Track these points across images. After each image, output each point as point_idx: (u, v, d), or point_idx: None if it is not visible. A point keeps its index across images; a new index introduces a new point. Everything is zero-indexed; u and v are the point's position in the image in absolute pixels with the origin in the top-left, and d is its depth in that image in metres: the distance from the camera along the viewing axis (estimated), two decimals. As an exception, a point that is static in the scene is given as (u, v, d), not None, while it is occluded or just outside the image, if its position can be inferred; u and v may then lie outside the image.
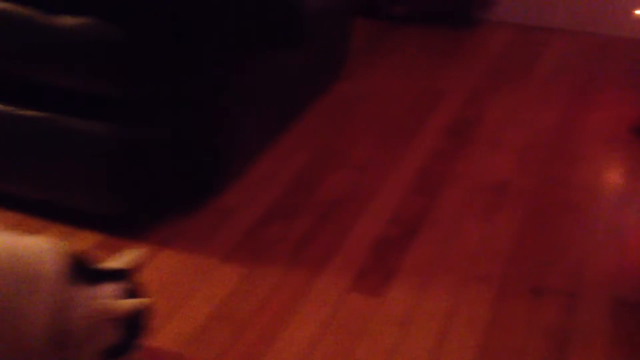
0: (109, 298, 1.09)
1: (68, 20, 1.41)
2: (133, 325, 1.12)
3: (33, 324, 1.04)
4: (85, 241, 1.62)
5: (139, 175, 1.62)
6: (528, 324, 1.47)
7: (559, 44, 2.95)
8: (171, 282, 1.54)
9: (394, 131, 2.25)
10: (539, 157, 2.11)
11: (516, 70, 2.71)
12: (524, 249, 1.70)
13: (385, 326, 1.44)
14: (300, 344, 1.38)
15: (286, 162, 2.04)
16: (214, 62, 1.63)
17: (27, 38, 1.42)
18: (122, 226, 1.67)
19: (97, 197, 1.62)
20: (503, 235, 1.74)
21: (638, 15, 2.19)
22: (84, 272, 1.09)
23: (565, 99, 2.47)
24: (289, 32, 1.56)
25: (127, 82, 1.49)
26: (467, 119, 2.34)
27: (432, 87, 2.57)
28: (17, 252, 1.05)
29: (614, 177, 2.01)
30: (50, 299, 1.04)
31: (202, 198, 1.80)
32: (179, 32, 1.50)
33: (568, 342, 1.42)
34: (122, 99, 1.51)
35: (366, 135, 2.22)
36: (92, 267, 1.12)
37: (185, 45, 1.53)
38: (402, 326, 1.44)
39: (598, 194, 1.94)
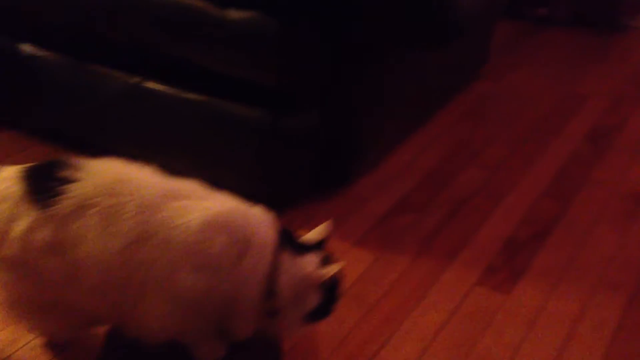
0: (312, 266, 1.20)
1: (235, 14, 1.54)
2: (331, 290, 1.23)
3: (248, 286, 1.16)
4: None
5: (284, 159, 1.73)
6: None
7: None
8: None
9: (531, 133, 2.24)
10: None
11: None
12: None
13: (511, 322, 1.47)
14: (425, 330, 1.44)
15: (420, 156, 2.10)
16: (364, 56, 1.71)
17: (200, 28, 1.57)
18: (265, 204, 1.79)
19: (243, 177, 1.75)
20: (639, 244, 1.71)
21: None
22: (290, 243, 1.21)
23: None
24: (442, 33, 1.60)
25: (281, 73, 1.60)
26: (608, 125, 2.29)
27: (573, 91, 2.53)
28: (237, 217, 1.16)
29: None
30: (262, 262, 1.16)
31: (338, 186, 1.89)
32: (334, 25, 1.59)
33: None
34: (275, 88, 1.63)
35: (501, 136, 2.23)
36: (296, 239, 1.24)
37: (337, 39, 1.62)
38: (529, 324, 1.46)
39: None
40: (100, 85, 1.80)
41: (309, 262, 1.20)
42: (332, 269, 1.20)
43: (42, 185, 1.14)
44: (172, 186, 1.16)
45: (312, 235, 1.27)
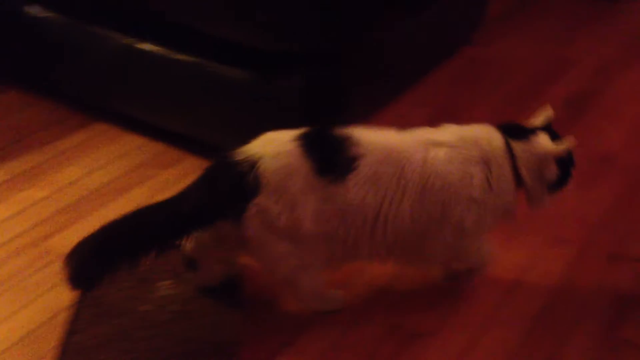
0: (544, 145, 1.42)
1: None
2: (566, 161, 1.45)
3: (505, 195, 1.42)
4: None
5: (273, 119, 1.84)
6: (598, 286, 1.57)
7: None
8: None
9: (514, 97, 2.34)
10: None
11: (656, 45, 2.67)
12: (613, 219, 1.78)
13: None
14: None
15: (406, 118, 2.22)
16: (353, 17, 1.82)
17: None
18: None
19: (233, 137, 1.88)
20: (597, 205, 1.82)
21: None
22: (518, 133, 1.43)
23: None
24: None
25: (274, 36, 1.72)
26: (589, 90, 2.37)
27: (562, 56, 2.60)
28: (472, 147, 1.39)
29: None
30: (505, 172, 1.41)
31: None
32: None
33: (633, 308, 1.51)
34: (264, 49, 1.74)
35: (486, 99, 2.33)
36: (523, 127, 1.46)
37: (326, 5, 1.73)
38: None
39: None
40: (96, 45, 1.95)
41: (541, 142, 1.42)
42: (562, 143, 1.41)
43: (332, 161, 1.32)
44: (420, 139, 1.40)
45: (538, 120, 1.48)
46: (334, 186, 1.31)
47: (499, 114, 2.23)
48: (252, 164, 1.30)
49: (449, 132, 1.42)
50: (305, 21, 1.70)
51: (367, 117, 2.15)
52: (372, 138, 1.36)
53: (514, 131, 1.44)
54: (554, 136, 1.45)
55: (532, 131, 1.44)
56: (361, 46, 1.93)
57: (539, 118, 1.49)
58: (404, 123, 2.22)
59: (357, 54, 1.92)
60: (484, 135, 1.42)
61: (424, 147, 1.37)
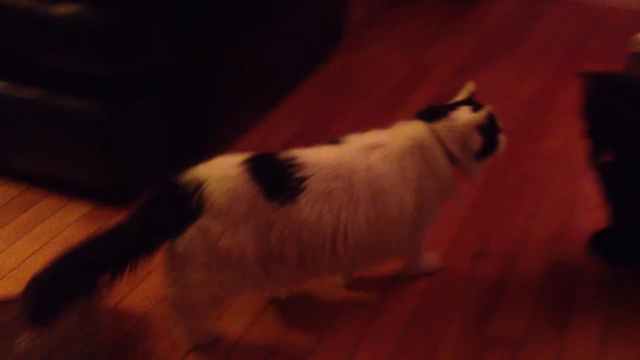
0: (463, 117, 1.46)
1: (61, 9, 1.59)
2: (489, 127, 1.48)
3: (441, 176, 1.48)
4: (79, 210, 1.84)
5: (129, 149, 1.80)
6: (464, 285, 1.62)
7: (555, 16, 3.02)
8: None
9: (381, 105, 2.40)
10: (509, 130, 2.22)
11: (508, 44, 2.80)
12: (476, 217, 1.85)
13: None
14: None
15: (275, 133, 2.22)
16: (203, 41, 1.80)
17: (26, 24, 1.62)
18: (114, 196, 1.88)
19: (90, 169, 1.82)
20: (460, 204, 1.89)
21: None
22: (436, 114, 1.49)
23: (549, 72, 2.57)
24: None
25: (116, 62, 1.67)
26: (450, 93, 2.44)
27: (425, 61, 2.69)
28: (403, 145, 1.45)
29: (577, 148, 2.12)
30: (436, 154, 1.46)
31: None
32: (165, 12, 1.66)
33: (498, 303, 1.58)
34: (112, 78, 1.70)
35: (353, 109, 2.37)
36: (442, 107, 1.51)
37: (171, 26, 1.70)
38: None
39: (558, 165, 2.06)
40: None
41: (460, 115, 1.47)
42: (481, 112, 1.46)
43: (280, 184, 1.34)
44: (357, 147, 1.44)
45: (460, 95, 1.55)
46: (284, 208, 1.33)
47: (368, 122, 2.27)
48: (197, 186, 1.31)
49: (377, 134, 1.49)
50: (149, 48, 1.68)
51: (233, 137, 2.15)
52: (315, 156, 1.39)
53: (433, 113, 1.50)
54: (477, 107, 1.50)
55: (452, 107, 1.51)
56: (215, 68, 1.91)
57: (462, 94, 1.55)
58: (277, 136, 2.27)
59: (212, 77, 1.90)
60: (408, 127, 1.49)
61: (363, 154, 1.42)
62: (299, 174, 1.35)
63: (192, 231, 1.30)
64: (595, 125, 1.47)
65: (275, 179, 1.34)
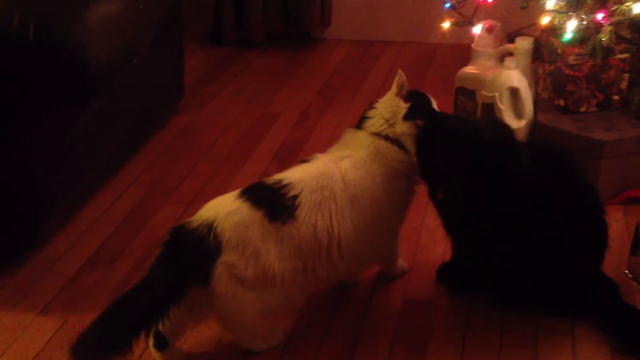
0: (385, 106, 1.59)
1: None
2: (417, 107, 1.58)
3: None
4: None
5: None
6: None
7: (389, 56, 3.15)
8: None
9: (226, 160, 2.37)
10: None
11: (348, 85, 2.88)
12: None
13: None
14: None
15: (116, 203, 2.13)
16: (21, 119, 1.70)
17: None
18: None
19: None
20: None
21: (444, 27, 2.39)
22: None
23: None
24: (79, 90, 1.64)
25: None
26: (294, 141, 2.48)
27: (269, 110, 2.71)
28: (344, 162, 1.55)
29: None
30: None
31: (21, 252, 1.86)
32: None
33: (356, 342, 1.58)
34: None
35: (198, 167, 2.33)
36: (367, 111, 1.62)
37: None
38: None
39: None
40: None
41: (383, 108, 1.61)
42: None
43: (278, 205, 1.46)
44: (328, 159, 1.56)
45: (393, 89, 1.60)
46: (287, 226, 1.45)
47: (211, 181, 2.24)
48: (208, 227, 1.41)
49: (340, 148, 1.60)
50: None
51: (71, 211, 2.04)
52: (297, 175, 1.51)
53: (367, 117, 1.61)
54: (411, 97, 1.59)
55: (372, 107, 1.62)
56: (42, 142, 1.81)
57: (394, 87, 1.61)
58: (123, 202, 2.17)
59: (40, 151, 1.80)
60: (359, 136, 1.59)
61: (334, 165, 1.54)
62: (291, 193, 1.47)
63: (219, 270, 1.40)
64: (422, 165, 1.52)
65: (272, 202, 1.46)
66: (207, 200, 2.11)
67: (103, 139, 2.08)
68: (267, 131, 2.55)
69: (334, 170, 1.53)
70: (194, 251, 1.41)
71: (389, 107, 1.58)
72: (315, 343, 1.59)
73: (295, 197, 1.47)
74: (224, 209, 1.44)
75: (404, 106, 1.57)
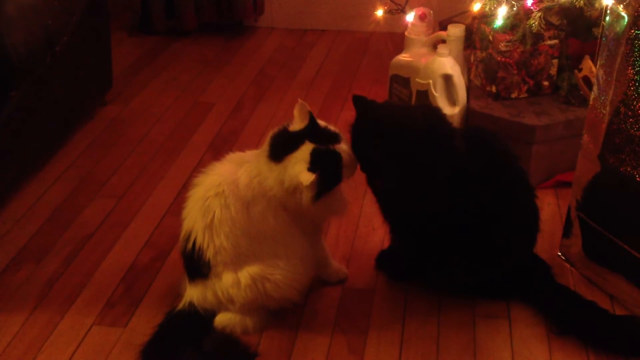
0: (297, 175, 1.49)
1: None
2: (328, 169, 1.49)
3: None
4: None
5: None
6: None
7: (324, 44, 3.13)
8: None
9: (159, 152, 2.30)
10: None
11: (283, 75, 2.85)
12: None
13: (127, 355, 1.50)
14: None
15: (43, 197, 2.04)
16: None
17: None
18: None
19: None
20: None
21: (377, 15, 2.39)
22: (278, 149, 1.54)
23: (322, 101, 2.63)
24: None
25: None
26: (230, 131, 2.43)
27: (202, 100, 2.64)
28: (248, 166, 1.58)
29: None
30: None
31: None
32: None
33: (297, 335, 1.56)
34: None
35: (129, 159, 2.25)
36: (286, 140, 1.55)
37: None
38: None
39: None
40: None
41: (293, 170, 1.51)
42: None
43: None
44: (235, 162, 1.58)
45: (298, 120, 1.56)
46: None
47: (143, 174, 2.18)
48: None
49: (251, 153, 1.63)
50: None
51: (5, 198, 1.95)
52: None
53: (277, 148, 1.55)
54: (318, 135, 1.52)
55: (295, 142, 1.53)
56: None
57: (299, 117, 1.55)
58: (50, 196, 2.08)
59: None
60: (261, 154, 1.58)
61: (235, 169, 1.56)
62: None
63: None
64: (357, 155, 1.51)
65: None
66: (139, 193, 2.10)
67: (26, 132, 1.99)
68: (201, 121, 2.49)
69: (236, 175, 1.55)
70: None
71: (288, 178, 1.49)
72: (254, 335, 1.56)
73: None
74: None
75: (309, 179, 1.43)
